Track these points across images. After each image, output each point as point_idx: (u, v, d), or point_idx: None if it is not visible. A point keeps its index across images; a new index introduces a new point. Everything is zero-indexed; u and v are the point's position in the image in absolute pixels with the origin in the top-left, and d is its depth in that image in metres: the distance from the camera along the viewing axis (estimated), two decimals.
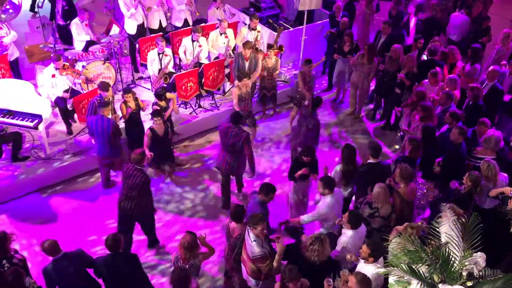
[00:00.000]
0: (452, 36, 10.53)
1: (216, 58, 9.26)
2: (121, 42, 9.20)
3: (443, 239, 4.21)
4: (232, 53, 9.38)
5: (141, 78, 9.80)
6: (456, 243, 4.07)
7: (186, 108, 9.01)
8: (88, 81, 8.29)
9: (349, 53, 9.02)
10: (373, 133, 9.13)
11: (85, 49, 9.03)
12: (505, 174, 5.99)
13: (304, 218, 5.83)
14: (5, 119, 7.36)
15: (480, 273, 4.01)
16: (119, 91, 8.79)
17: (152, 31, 9.77)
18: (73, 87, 8.19)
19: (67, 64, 8.04)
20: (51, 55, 8.05)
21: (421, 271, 3.99)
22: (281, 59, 9.37)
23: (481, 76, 8.61)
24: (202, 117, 8.87)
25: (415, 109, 7.34)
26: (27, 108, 7.43)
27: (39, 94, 8.18)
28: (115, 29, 9.46)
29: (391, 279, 4.21)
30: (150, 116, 7.28)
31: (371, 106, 9.61)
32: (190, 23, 10.06)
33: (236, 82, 8.22)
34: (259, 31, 9.30)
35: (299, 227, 6.65)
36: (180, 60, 9.44)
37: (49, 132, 8.14)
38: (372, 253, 4.68)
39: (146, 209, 6.26)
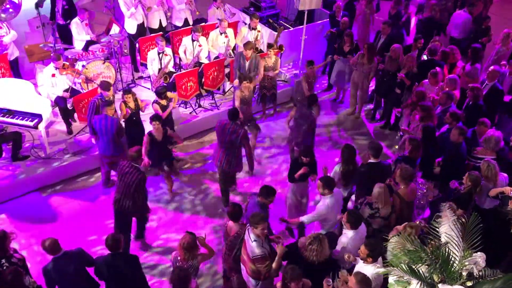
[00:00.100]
0: (453, 33, 10.56)
1: (216, 57, 9.26)
2: (121, 42, 9.20)
3: (443, 239, 4.21)
4: (232, 53, 9.38)
5: (141, 77, 9.80)
6: (456, 243, 4.07)
7: (186, 108, 9.01)
8: (88, 80, 8.29)
9: (349, 53, 9.02)
10: (373, 133, 9.13)
11: (85, 48, 9.03)
12: (505, 174, 5.99)
13: (304, 218, 5.83)
14: (5, 119, 7.36)
15: (480, 273, 4.02)
16: (119, 90, 8.79)
17: (152, 30, 9.77)
18: (73, 87, 8.19)
19: (67, 63, 8.04)
20: (51, 54, 8.05)
21: (421, 271, 3.99)
22: (281, 59, 9.37)
23: (481, 76, 8.61)
24: (202, 117, 8.87)
25: (415, 109, 7.34)
26: (27, 107, 7.43)
27: (39, 94, 8.17)
28: (115, 29, 9.46)
29: (391, 279, 4.21)
30: (150, 115, 7.25)
31: (371, 106, 9.61)
32: (190, 22, 10.06)
33: (236, 81, 8.28)
34: (259, 31, 9.31)
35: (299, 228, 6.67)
36: (180, 59, 9.44)
37: (49, 132, 8.13)
38: (371, 254, 4.68)
39: (141, 207, 6.28)
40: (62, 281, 4.93)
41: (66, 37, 9.49)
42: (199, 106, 9.10)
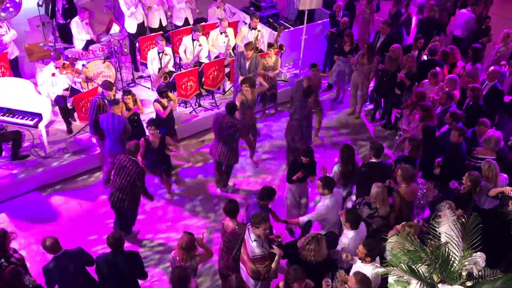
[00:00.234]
0: (456, 32, 10.59)
1: (216, 57, 9.26)
2: (121, 41, 9.20)
3: (443, 239, 4.21)
4: (232, 52, 9.38)
5: (141, 77, 9.80)
6: (456, 243, 4.08)
7: (186, 108, 9.01)
8: (88, 80, 8.29)
9: (350, 52, 9.02)
10: (373, 133, 9.13)
11: (85, 48, 9.03)
12: (505, 175, 5.99)
13: (304, 219, 5.83)
14: (5, 118, 7.36)
15: (480, 273, 4.02)
16: (119, 90, 8.79)
17: (152, 30, 9.77)
18: (73, 86, 8.19)
19: (67, 63, 8.03)
20: (51, 53, 8.04)
21: (420, 271, 3.99)
22: (281, 59, 9.36)
23: (481, 76, 8.62)
24: (202, 116, 8.86)
25: (415, 109, 7.34)
26: (27, 106, 7.43)
27: (39, 93, 8.17)
28: (115, 28, 9.45)
29: (391, 279, 4.22)
30: (152, 116, 7.28)
31: (371, 106, 9.61)
32: (191, 22, 10.06)
33: (241, 78, 8.29)
34: (259, 30, 9.31)
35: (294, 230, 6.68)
36: (180, 59, 9.44)
37: (49, 131, 8.13)
38: (369, 253, 4.68)
39: (136, 201, 6.32)
40: (62, 280, 4.93)
41: (66, 36, 9.49)
42: (199, 105, 9.10)
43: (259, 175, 8.02)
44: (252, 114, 7.85)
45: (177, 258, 4.94)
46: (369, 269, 4.67)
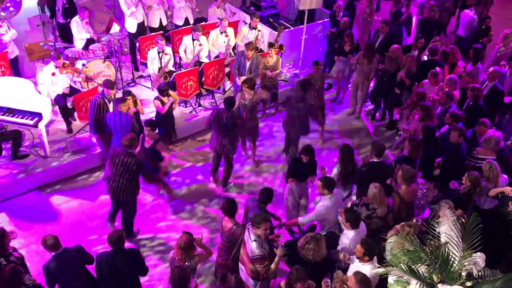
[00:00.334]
0: (460, 32, 10.65)
1: (217, 57, 9.26)
2: (121, 41, 9.19)
3: (443, 239, 4.22)
4: (232, 52, 9.38)
5: (141, 76, 9.80)
6: (456, 243, 4.08)
7: (186, 107, 9.01)
8: (88, 79, 8.28)
9: (350, 52, 9.02)
10: (374, 134, 9.13)
11: (85, 47, 9.02)
12: (505, 176, 5.99)
13: (304, 219, 5.83)
14: (5, 117, 7.36)
15: (480, 273, 4.03)
16: (119, 89, 8.79)
17: (153, 29, 9.77)
18: (73, 86, 8.19)
19: (67, 62, 8.03)
20: (51, 53, 8.04)
21: (420, 271, 4.00)
22: (281, 59, 9.36)
23: (481, 76, 8.62)
24: (202, 116, 8.85)
25: (415, 109, 7.35)
26: (27, 106, 7.43)
27: (39, 92, 8.17)
28: (115, 28, 9.45)
29: (391, 279, 4.22)
30: (152, 115, 7.27)
31: (371, 106, 9.61)
32: (191, 21, 10.06)
33: (243, 78, 8.32)
34: (259, 30, 9.31)
35: (296, 231, 6.67)
36: (180, 58, 9.44)
37: (49, 130, 8.13)
38: (367, 252, 4.69)
39: (132, 193, 6.33)
40: (62, 278, 4.94)
41: (66, 35, 9.48)
42: (199, 105, 9.10)
43: (260, 174, 8.01)
44: (254, 121, 7.69)
45: (176, 258, 4.94)
46: (368, 269, 4.68)
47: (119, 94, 8.13)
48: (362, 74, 8.82)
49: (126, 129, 6.82)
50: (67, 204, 7.27)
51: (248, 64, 8.30)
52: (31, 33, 9.99)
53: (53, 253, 4.89)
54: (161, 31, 9.52)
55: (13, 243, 5.26)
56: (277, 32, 9.20)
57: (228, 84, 9.50)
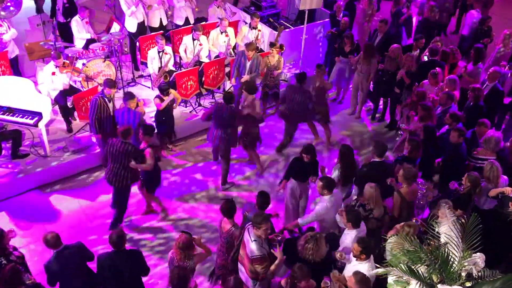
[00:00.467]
0: (464, 31, 10.71)
1: (217, 56, 9.26)
2: (121, 40, 9.19)
3: (443, 239, 4.22)
4: (232, 52, 9.38)
5: (141, 76, 9.80)
6: (455, 243, 4.08)
7: (186, 107, 9.01)
8: (88, 79, 8.28)
9: (350, 53, 9.02)
10: (373, 133, 9.12)
11: (86, 47, 9.02)
12: (505, 177, 5.99)
13: (303, 220, 5.82)
14: (5, 117, 7.36)
15: (479, 273, 4.02)
16: (119, 89, 8.79)
17: (153, 29, 9.77)
18: (73, 85, 8.19)
19: (67, 62, 8.03)
20: (51, 52, 8.04)
21: (420, 271, 4.00)
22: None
23: (482, 76, 8.61)
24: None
25: (415, 109, 7.35)
26: (27, 105, 7.43)
27: (39, 92, 8.17)
28: (115, 27, 9.45)
29: (390, 279, 4.22)
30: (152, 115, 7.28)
31: (372, 106, 9.60)
32: (191, 21, 10.06)
33: (233, 80, 8.43)
34: (259, 30, 9.31)
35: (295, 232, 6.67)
36: (180, 58, 9.44)
37: (49, 130, 8.13)
38: (364, 251, 4.70)
39: (125, 183, 6.37)
40: (63, 276, 4.94)
41: (67, 35, 9.48)
42: (199, 105, 9.11)
43: (260, 174, 8.00)
44: (256, 129, 7.58)
45: (175, 258, 4.93)
46: (365, 267, 4.69)
47: (119, 94, 8.14)
48: (360, 74, 8.83)
49: (134, 126, 6.87)
50: (67, 204, 7.27)
51: (248, 64, 8.30)
52: (31, 33, 9.99)
53: (54, 251, 4.90)
54: (161, 31, 9.52)
55: (13, 242, 5.26)
56: (277, 32, 9.20)
57: (228, 84, 9.50)
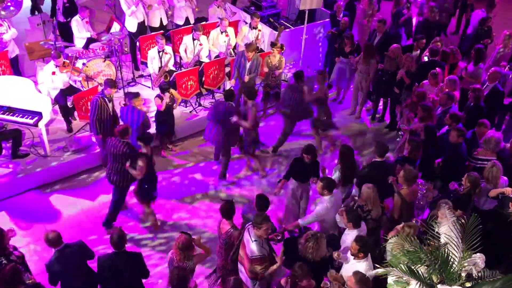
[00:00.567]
0: (469, 31, 10.77)
1: (217, 56, 9.26)
2: (121, 40, 9.19)
3: (443, 239, 4.22)
4: (232, 52, 9.38)
5: (141, 76, 9.80)
6: (455, 244, 4.08)
7: (186, 107, 9.01)
8: (88, 78, 8.28)
9: (350, 53, 9.02)
10: (373, 133, 9.12)
11: (86, 46, 9.01)
12: (505, 178, 5.98)
13: (304, 221, 5.81)
14: (5, 116, 7.36)
15: (479, 274, 4.03)
16: (119, 89, 8.79)
17: (153, 29, 9.77)
18: (73, 85, 8.19)
19: (67, 61, 8.03)
20: (52, 52, 8.04)
21: (420, 272, 4.00)
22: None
23: (482, 77, 8.61)
24: (202, 116, 8.85)
25: (415, 109, 7.34)
26: (27, 105, 7.43)
27: (39, 91, 8.16)
28: (115, 27, 9.45)
29: (390, 279, 4.22)
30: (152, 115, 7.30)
31: (372, 106, 9.60)
32: (192, 21, 10.06)
33: (233, 81, 8.43)
34: (260, 30, 9.31)
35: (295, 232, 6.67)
36: (180, 58, 9.44)
37: (49, 130, 8.13)
38: (362, 249, 4.71)
39: (122, 180, 6.38)
40: (64, 275, 4.94)
41: (67, 34, 9.48)
42: (200, 105, 9.11)
43: (262, 175, 8.00)
44: (254, 134, 7.54)
45: (175, 258, 4.93)
46: (363, 266, 4.70)
47: (119, 94, 8.14)
48: (360, 74, 8.83)
49: (137, 124, 6.91)
50: (67, 204, 7.26)
51: (248, 65, 8.31)
52: (31, 32, 9.99)
53: (55, 249, 4.90)
54: (162, 31, 9.52)
55: (13, 242, 5.26)
56: (277, 32, 9.21)
57: (228, 84, 9.49)
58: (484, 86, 7.79)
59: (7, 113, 7.37)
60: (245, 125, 7.18)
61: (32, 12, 10.58)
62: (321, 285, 4.75)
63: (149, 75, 9.30)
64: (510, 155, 6.57)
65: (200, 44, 8.88)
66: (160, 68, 8.59)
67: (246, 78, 8.25)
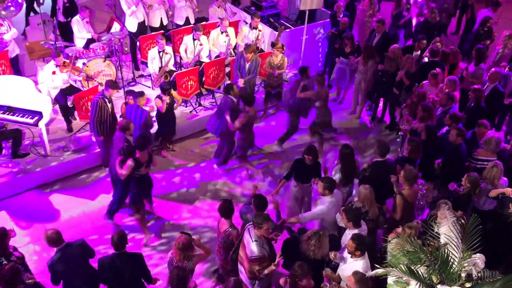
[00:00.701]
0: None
1: (217, 56, 9.26)
2: (121, 40, 9.19)
3: (442, 240, 4.22)
4: (233, 52, 9.38)
5: (141, 76, 9.80)
6: (455, 244, 4.08)
7: (186, 107, 9.01)
8: (88, 78, 8.29)
9: (351, 53, 9.02)
10: (373, 133, 9.12)
11: (86, 46, 9.02)
12: (505, 178, 5.98)
13: (305, 216, 5.81)
14: (5, 116, 7.36)
15: (479, 274, 4.03)
16: (119, 88, 8.77)
17: (153, 29, 9.77)
18: (74, 84, 8.19)
19: (67, 61, 8.03)
20: (52, 52, 8.04)
21: (420, 272, 4.00)
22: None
23: (483, 77, 8.60)
24: (203, 116, 8.86)
25: (414, 110, 7.34)
26: (27, 105, 7.43)
27: (40, 91, 8.17)
28: (116, 27, 9.45)
29: (390, 280, 4.22)
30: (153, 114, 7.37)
31: (372, 106, 9.60)
32: (192, 21, 10.06)
33: (241, 81, 8.33)
34: (260, 30, 9.31)
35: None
36: (180, 58, 9.44)
37: (49, 129, 8.12)
38: (358, 247, 4.72)
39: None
40: (66, 274, 4.94)
41: (67, 34, 9.48)
42: (200, 105, 9.11)
43: (263, 175, 8.00)
44: (251, 135, 7.58)
45: (175, 258, 4.93)
46: (360, 264, 4.70)
47: (119, 94, 8.14)
48: (359, 74, 8.84)
49: (139, 123, 6.97)
50: (67, 203, 7.26)
51: (247, 65, 8.33)
52: (31, 32, 9.99)
53: (56, 248, 4.90)
54: (162, 31, 9.52)
55: (12, 242, 5.26)
56: (277, 32, 9.21)
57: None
58: (485, 87, 7.79)
59: (7, 112, 7.38)
60: (230, 124, 7.20)
61: (27, 14, 10.52)
62: (321, 286, 4.74)
63: (149, 75, 9.30)
64: (510, 156, 6.57)
65: (201, 44, 8.88)
66: (160, 68, 8.60)
67: (241, 82, 8.22)
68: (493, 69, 7.90)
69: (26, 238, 6.65)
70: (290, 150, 8.48)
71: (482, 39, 9.70)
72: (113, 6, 9.90)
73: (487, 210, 5.86)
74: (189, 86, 8.63)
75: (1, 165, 7.48)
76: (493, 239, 5.01)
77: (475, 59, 8.49)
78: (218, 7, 9.91)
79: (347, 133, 9.07)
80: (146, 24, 9.70)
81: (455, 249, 4.05)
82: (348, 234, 5.26)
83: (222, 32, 9.17)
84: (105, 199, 7.26)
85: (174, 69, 8.99)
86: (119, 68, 8.92)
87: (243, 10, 10.86)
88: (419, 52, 8.97)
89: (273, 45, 8.67)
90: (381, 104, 9.37)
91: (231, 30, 9.31)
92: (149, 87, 9.31)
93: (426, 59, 8.74)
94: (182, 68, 9.37)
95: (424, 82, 8.11)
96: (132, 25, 9.46)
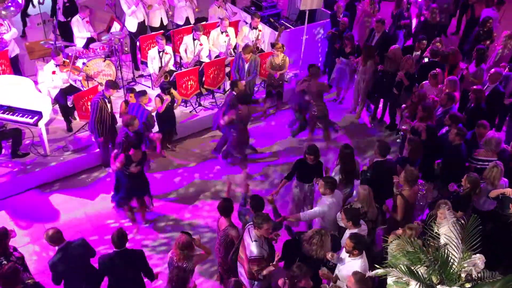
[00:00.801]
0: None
1: (217, 56, 9.26)
2: (121, 40, 9.19)
3: (442, 240, 4.22)
4: (233, 52, 9.38)
5: (141, 76, 9.80)
6: (455, 244, 4.08)
7: (186, 107, 9.01)
8: (88, 78, 8.29)
9: (351, 54, 9.02)
10: (373, 134, 9.12)
11: (86, 46, 9.02)
12: (505, 179, 5.98)
13: (305, 215, 5.82)
14: (5, 116, 7.36)
15: (479, 275, 4.02)
16: (119, 88, 8.78)
17: (153, 29, 9.78)
18: (74, 84, 8.19)
19: (67, 61, 8.03)
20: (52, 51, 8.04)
21: (419, 272, 4.00)
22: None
23: (483, 77, 8.60)
24: (202, 116, 8.86)
25: (414, 111, 7.34)
26: (27, 104, 7.43)
27: (39, 91, 8.16)
28: (116, 27, 9.45)
29: (390, 280, 4.22)
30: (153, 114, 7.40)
31: (372, 106, 9.60)
32: (192, 21, 10.06)
33: (243, 83, 8.32)
34: (260, 30, 9.31)
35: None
36: (180, 58, 9.44)
37: (49, 129, 8.12)
38: (356, 246, 4.72)
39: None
40: (67, 273, 4.94)
41: (67, 34, 9.48)
42: (200, 105, 9.11)
43: (261, 175, 8.00)
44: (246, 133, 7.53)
45: (175, 258, 4.93)
46: (358, 263, 4.71)
47: (118, 94, 8.14)
48: (361, 75, 8.83)
49: (140, 121, 6.98)
50: (67, 203, 7.26)
51: (246, 66, 8.33)
52: (31, 32, 9.98)
53: (57, 247, 4.90)
54: (162, 31, 9.52)
55: (12, 242, 5.25)
56: (277, 32, 9.21)
57: (228, 84, 9.49)
58: (485, 87, 7.79)
59: (7, 112, 7.37)
60: (220, 119, 7.32)
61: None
62: (320, 286, 4.74)
63: (149, 75, 9.30)
64: (510, 156, 6.57)
65: (201, 44, 8.88)
66: (160, 68, 8.59)
67: (243, 83, 8.21)
68: (493, 69, 7.90)
69: (26, 238, 6.65)
70: (290, 150, 8.47)
71: (482, 39, 9.70)
72: (113, 5, 9.91)
73: (487, 211, 5.86)
74: (189, 86, 8.63)
75: (1, 165, 7.48)
76: (493, 239, 5.01)
77: (476, 59, 8.48)
78: (218, 7, 9.91)
79: (347, 133, 9.07)
80: (146, 24, 9.70)
81: (455, 249, 4.05)
82: (348, 234, 5.26)
83: (222, 32, 9.17)
84: (105, 199, 7.26)
85: (174, 69, 8.99)
86: (119, 68, 8.93)
87: (243, 10, 10.86)
88: (419, 53, 8.97)
89: (273, 45, 8.68)
90: (381, 104, 9.37)
91: (231, 30, 9.31)
92: (149, 87, 9.31)
93: (426, 60, 8.73)
94: (182, 68, 9.37)
95: (424, 82, 8.11)
96: (132, 25, 9.46)
